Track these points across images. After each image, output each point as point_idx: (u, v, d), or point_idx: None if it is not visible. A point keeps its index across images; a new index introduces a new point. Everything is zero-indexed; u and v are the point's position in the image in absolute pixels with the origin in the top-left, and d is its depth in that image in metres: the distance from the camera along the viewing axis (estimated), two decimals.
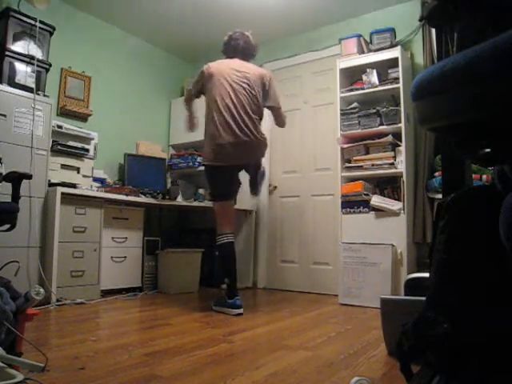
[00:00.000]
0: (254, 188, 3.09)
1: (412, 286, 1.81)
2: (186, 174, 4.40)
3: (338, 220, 3.38)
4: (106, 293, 3.25)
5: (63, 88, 3.66)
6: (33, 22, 3.06)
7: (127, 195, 3.42)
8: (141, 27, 4.17)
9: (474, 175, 2.81)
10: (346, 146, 3.40)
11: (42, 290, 1.30)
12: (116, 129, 4.06)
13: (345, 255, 3.20)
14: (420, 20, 3.31)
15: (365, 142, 3.33)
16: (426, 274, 0.92)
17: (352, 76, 3.57)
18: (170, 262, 3.60)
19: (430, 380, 0.76)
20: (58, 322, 2.43)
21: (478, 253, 0.76)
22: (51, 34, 3.23)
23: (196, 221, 4.41)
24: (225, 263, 2.84)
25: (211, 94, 2.83)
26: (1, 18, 3.01)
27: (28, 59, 3.03)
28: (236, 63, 2.92)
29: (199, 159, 4.24)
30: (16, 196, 2.31)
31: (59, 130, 3.22)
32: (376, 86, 3.32)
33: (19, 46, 3.02)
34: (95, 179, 3.50)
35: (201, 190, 4.23)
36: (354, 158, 3.36)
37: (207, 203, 3.73)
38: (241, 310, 2.69)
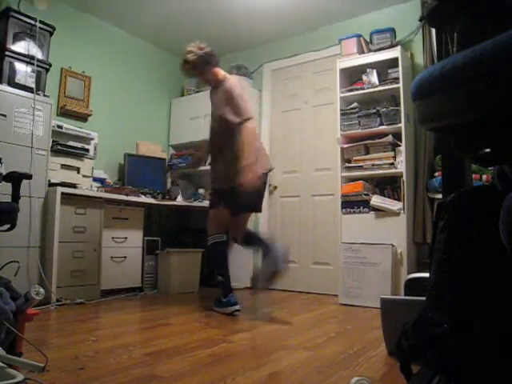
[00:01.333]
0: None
1: (412, 286, 1.81)
2: (185, 174, 4.40)
3: (338, 220, 3.38)
4: (106, 293, 3.25)
5: (63, 88, 3.66)
6: (33, 22, 3.06)
7: (127, 195, 3.42)
8: (141, 27, 4.16)
9: (473, 175, 2.81)
10: (345, 146, 3.40)
11: (41, 289, 1.30)
12: (116, 129, 4.06)
13: (345, 255, 3.20)
14: (420, 20, 3.32)
15: (365, 142, 3.32)
16: (426, 274, 0.92)
17: (352, 76, 3.57)
18: (169, 261, 3.60)
19: (430, 380, 0.76)
20: (58, 321, 2.43)
21: (477, 253, 0.76)
22: (51, 34, 3.23)
23: (196, 221, 4.41)
24: (217, 262, 2.83)
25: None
26: (1, 18, 3.01)
27: (28, 59, 3.03)
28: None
29: None
30: (16, 196, 2.31)
31: (59, 130, 3.22)
32: (376, 86, 3.32)
33: (19, 46, 3.02)
34: (95, 179, 3.50)
35: (201, 190, 4.23)
36: (354, 158, 3.36)
37: (207, 203, 3.72)
38: (237, 307, 2.68)
